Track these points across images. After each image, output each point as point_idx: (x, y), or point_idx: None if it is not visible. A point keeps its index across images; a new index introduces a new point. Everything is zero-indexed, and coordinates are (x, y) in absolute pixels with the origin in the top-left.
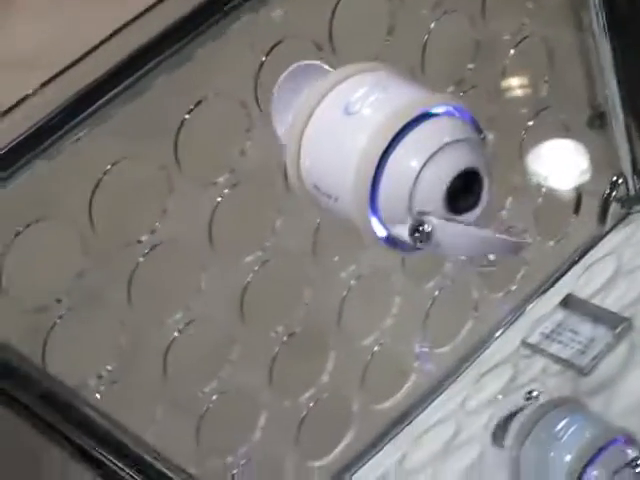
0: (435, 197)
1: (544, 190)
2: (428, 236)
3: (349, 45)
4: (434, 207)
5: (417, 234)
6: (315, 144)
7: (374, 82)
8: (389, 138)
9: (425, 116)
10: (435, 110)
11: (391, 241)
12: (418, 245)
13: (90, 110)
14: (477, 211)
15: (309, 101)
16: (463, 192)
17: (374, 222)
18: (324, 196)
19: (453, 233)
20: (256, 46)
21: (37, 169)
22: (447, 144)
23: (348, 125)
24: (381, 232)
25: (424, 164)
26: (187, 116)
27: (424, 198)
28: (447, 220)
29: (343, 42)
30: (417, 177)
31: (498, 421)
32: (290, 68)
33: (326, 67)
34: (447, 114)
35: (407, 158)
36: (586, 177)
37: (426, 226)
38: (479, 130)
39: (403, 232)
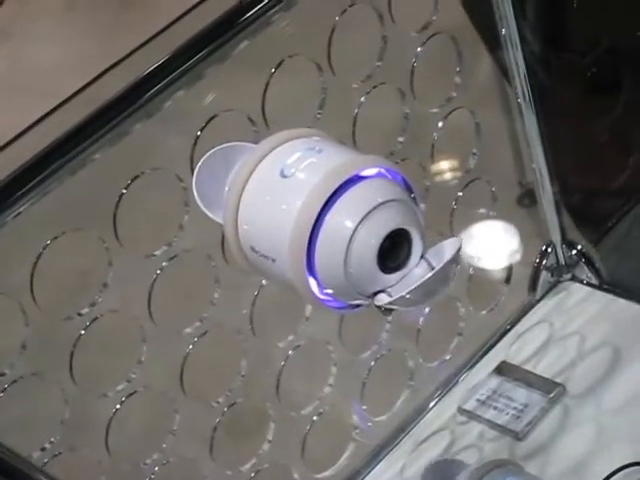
0: (368, 256)
1: (475, 260)
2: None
3: (282, 118)
4: (367, 265)
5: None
6: (252, 207)
7: (308, 146)
8: (324, 198)
9: (358, 178)
10: (368, 172)
11: (327, 301)
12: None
13: (29, 186)
14: (407, 268)
15: (246, 166)
16: (395, 250)
17: (311, 282)
18: (262, 258)
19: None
20: (192, 121)
21: None
22: (380, 204)
23: (284, 187)
24: (317, 292)
25: (358, 224)
26: (124, 191)
27: (358, 256)
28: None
29: (276, 116)
30: (351, 237)
31: None
32: (207, 154)
33: (246, 144)
34: (379, 176)
35: (342, 218)
36: (516, 247)
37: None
38: (410, 190)
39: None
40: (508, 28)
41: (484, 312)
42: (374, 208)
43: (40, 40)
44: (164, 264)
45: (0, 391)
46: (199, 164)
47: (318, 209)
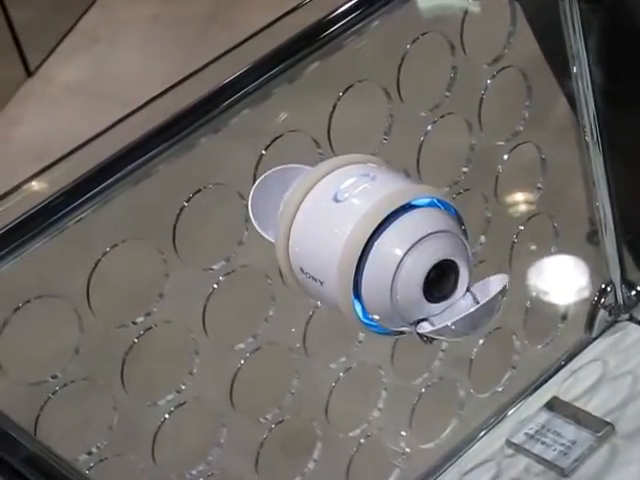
0: (414, 284)
1: (533, 294)
2: (430, 340)
3: (347, 142)
4: (413, 292)
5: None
6: (304, 229)
7: (363, 173)
8: (375, 224)
9: (410, 206)
10: (419, 202)
11: (372, 325)
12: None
13: (93, 192)
14: (453, 299)
15: (300, 188)
16: (441, 281)
17: (357, 306)
18: (311, 280)
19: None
20: (258, 138)
21: (38, 248)
22: (429, 234)
23: (336, 212)
24: (362, 316)
25: (406, 252)
26: (186, 204)
27: (404, 284)
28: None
29: (341, 139)
30: (399, 264)
31: None
32: (264, 175)
33: (303, 167)
34: (431, 206)
35: (391, 245)
36: (576, 284)
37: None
38: (461, 223)
39: (409, 330)
40: (580, 66)
41: (539, 347)
42: (423, 237)
43: (125, 48)
44: (221, 278)
45: (51, 393)
46: (256, 184)
47: (368, 234)
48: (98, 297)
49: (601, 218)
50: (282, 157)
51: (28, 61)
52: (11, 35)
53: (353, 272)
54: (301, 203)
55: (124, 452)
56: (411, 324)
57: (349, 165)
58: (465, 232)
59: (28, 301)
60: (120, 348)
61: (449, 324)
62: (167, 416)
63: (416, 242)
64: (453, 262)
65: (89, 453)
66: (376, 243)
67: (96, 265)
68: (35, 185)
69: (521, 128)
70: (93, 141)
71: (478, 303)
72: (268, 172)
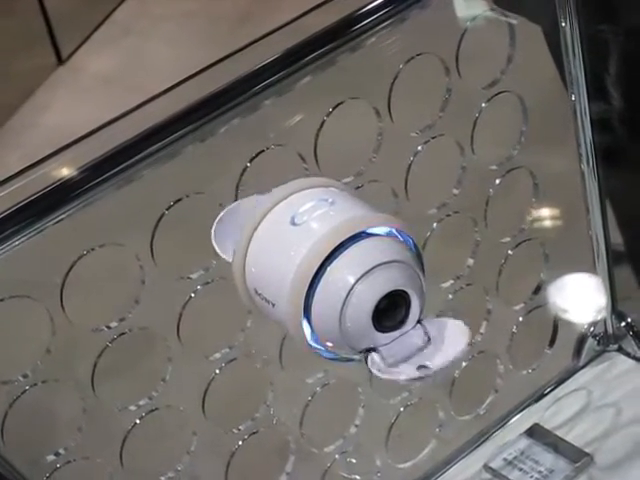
0: (364, 312)
1: (520, 319)
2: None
3: (334, 159)
4: (362, 321)
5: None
6: (260, 250)
7: (323, 197)
8: (329, 249)
9: (366, 234)
10: (377, 230)
11: (321, 351)
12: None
13: (73, 194)
14: (402, 330)
15: (259, 210)
16: (392, 311)
17: (306, 330)
18: (264, 301)
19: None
20: (242, 151)
21: (15, 249)
22: (382, 263)
23: (292, 235)
24: (311, 340)
25: (358, 279)
26: (166, 211)
27: (354, 312)
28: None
29: (328, 156)
30: (350, 291)
31: None
32: (231, 205)
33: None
34: (389, 235)
35: (343, 271)
36: (565, 311)
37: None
38: (418, 254)
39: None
40: (578, 93)
41: (524, 372)
42: (376, 266)
43: (158, 41)
44: (198, 287)
45: (21, 392)
46: (220, 216)
47: (321, 259)
48: (73, 300)
49: (594, 247)
50: (267, 171)
51: (60, 49)
52: (45, 23)
53: (304, 295)
54: (259, 224)
55: (92, 455)
56: (360, 352)
57: (310, 189)
58: (422, 264)
59: (1, 299)
60: (92, 351)
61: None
62: (138, 421)
63: (368, 270)
64: (405, 292)
65: (56, 454)
66: (329, 268)
67: (71, 268)
68: (17, 182)
69: (515, 153)
70: (81, 141)
71: (429, 339)
72: (233, 204)
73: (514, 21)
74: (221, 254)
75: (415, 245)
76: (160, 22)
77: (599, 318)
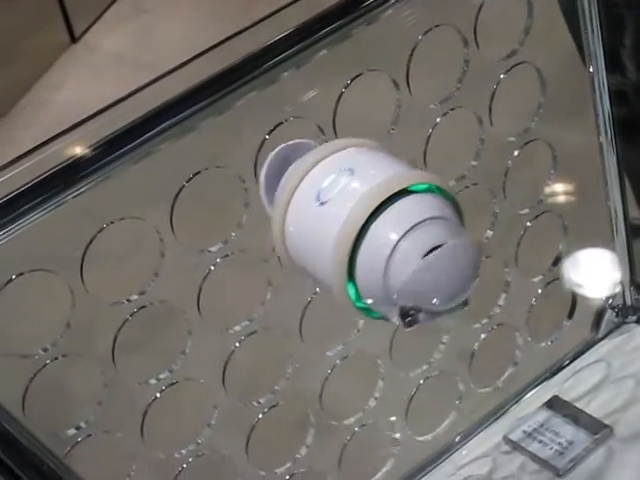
0: (409, 269)
1: (539, 291)
2: (416, 322)
3: (352, 131)
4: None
5: (407, 319)
6: (301, 209)
7: (365, 156)
8: (372, 207)
9: (407, 192)
10: (417, 187)
11: (365, 309)
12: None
13: (92, 168)
14: None
15: (304, 164)
16: None
17: (350, 290)
18: (306, 260)
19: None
20: (260, 123)
21: (35, 221)
22: (425, 220)
23: (335, 191)
24: (355, 300)
25: (402, 236)
26: (186, 184)
27: (399, 269)
28: None
29: (346, 128)
30: (394, 248)
31: None
32: (276, 149)
33: (313, 143)
34: (428, 191)
35: (387, 229)
36: (584, 283)
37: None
38: (458, 210)
39: (393, 316)
40: (596, 66)
41: (542, 344)
42: (420, 222)
43: (170, 19)
44: (218, 260)
45: (42, 366)
46: (268, 159)
47: (365, 217)
48: (93, 274)
49: (612, 219)
50: (283, 141)
51: (73, 27)
52: (58, 1)
53: (348, 253)
54: (300, 181)
55: (113, 429)
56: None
57: (353, 147)
58: (462, 219)
59: (22, 274)
60: (112, 325)
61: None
62: (158, 395)
63: (412, 227)
64: None
65: (77, 428)
66: (372, 226)
67: (91, 241)
68: (33, 158)
69: (532, 124)
70: (96, 116)
71: None
72: (279, 147)
73: None
74: (266, 206)
75: (455, 201)
76: (171, 0)
77: (617, 290)
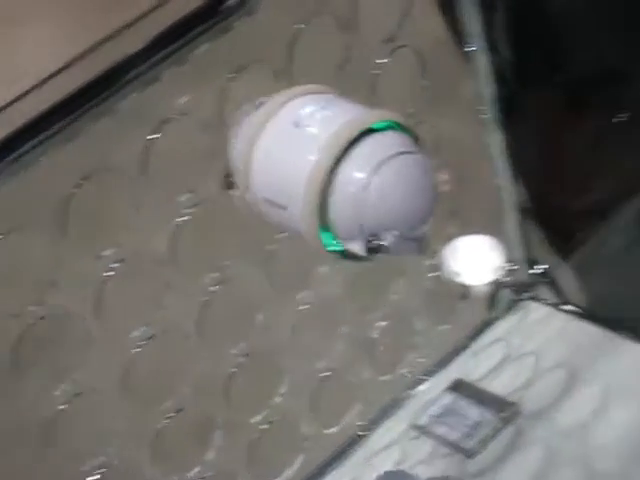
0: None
1: (434, 274)
2: (384, 250)
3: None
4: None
5: (373, 249)
6: (267, 155)
7: (322, 100)
8: (340, 147)
9: (371, 131)
10: (378, 125)
11: (339, 252)
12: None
13: None
14: None
15: (260, 116)
16: None
17: (322, 232)
18: (274, 207)
19: (404, 247)
20: (143, 124)
21: None
22: (391, 156)
23: (299, 137)
24: (328, 242)
25: (371, 174)
26: (75, 190)
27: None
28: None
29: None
30: (364, 185)
31: None
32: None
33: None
34: (390, 129)
35: (356, 168)
36: (478, 263)
37: (383, 243)
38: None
39: (358, 249)
40: (477, 45)
41: (440, 328)
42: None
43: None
44: (115, 265)
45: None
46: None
47: (334, 158)
48: None
49: (502, 197)
50: (173, 142)
51: None
52: None
53: (319, 197)
54: (262, 131)
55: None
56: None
57: (306, 94)
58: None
59: None
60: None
61: None
62: (63, 407)
63: (380, 163)
64: None
65: None
66: (341, 167)
67: None
68: None
69: (412, 110)
70: None
71: None
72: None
73: None
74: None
75: (415, 135)
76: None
77: (511, 269)
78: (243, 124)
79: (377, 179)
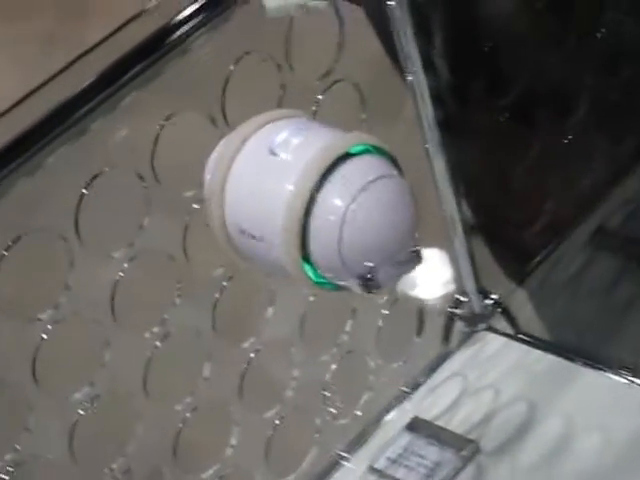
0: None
1: (385, 312)
2: (378, 285)
3: (172, 173)
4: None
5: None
6: (240, 185)
7: (296, 124)
8: (318, 175)
9: (348, 156)
10: (355, 149)
11: (320, 282)
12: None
13: None
14: None
15: (232, 144)
16: None
17: (304, 264)
18: (249, 238)
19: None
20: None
21: None
22: (370, 181)
23: (275, 166)
24: (310, 272)
25: (351, 201)
26: (5, 253)
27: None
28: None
29: (168, 172)
30: (344, 213)
31: None
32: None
33: None
34: (367, 152)
35: (335, 196)
36: (429, 296)
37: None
38: (397, 166)
39: (353, 285)
40: (413, 71)
41: (395, 365)
42: (369, 183)
43: None
44: (49, 327)
45: None
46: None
47: (312, 185)
48: None
49: (449, 225)
50: (105, 194)
51: None
52: None
53: (300, 227)
54: (234, 160)
55: None
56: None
57: (280, 119)
58: (402, 174)
59: None
60: None
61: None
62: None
63: (360, 190)
64: None
65: None
66: (320, 195)
67: None
68: None
69: None
70: None
71: None
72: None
73: (323, 4)
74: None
75: (393, 157)
76: None
77: (463, 300)
78: (214, 153)
79: (357, 206)
